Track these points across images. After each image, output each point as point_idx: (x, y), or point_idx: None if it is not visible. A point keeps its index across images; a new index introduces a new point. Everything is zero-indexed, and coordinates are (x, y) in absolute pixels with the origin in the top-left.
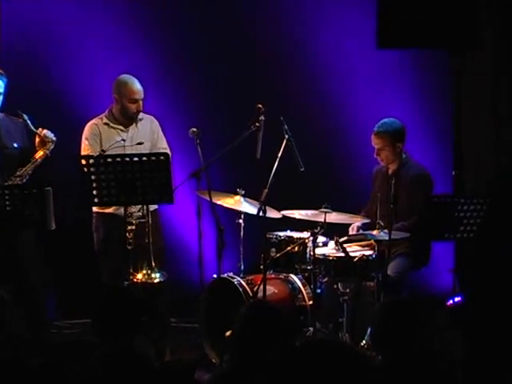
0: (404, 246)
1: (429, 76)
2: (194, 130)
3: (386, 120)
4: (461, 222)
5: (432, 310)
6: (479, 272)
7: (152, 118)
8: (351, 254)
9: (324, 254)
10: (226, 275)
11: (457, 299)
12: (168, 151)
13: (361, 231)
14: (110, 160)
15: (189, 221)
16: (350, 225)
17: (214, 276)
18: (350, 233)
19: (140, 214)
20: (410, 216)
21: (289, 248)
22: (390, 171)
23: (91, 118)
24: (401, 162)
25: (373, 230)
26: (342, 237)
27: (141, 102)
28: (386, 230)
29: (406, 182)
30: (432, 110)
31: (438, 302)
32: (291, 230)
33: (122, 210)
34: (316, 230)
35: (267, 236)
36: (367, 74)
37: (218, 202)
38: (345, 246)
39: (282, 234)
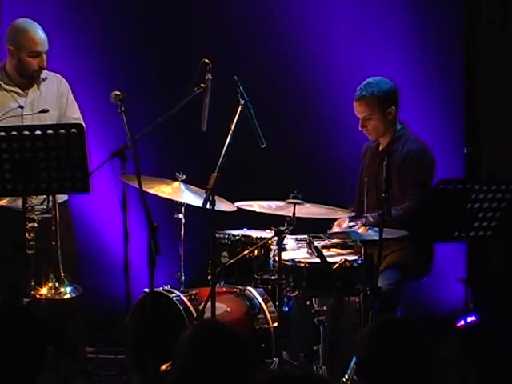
0: (399, 249)
1: (432, 20)
2: (118, 93)
3: (370, 80)
4: (475, 216)
5: (437, 333)
6: (499, 283)
7: (59, 77)
8: (329, 260)
9: (293, 260)
10: (161, 289)
11: (470, 319)
12: (82, 122)
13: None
14: (2, 134)
15: (111, 216)
16: (329, 220)
17: (146, 290)
18: (335, 230)
19: (44, 207)
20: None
21: (246, 252)
22: (381, 147)
23: None
24: (394, 134)
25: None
26: (317, 236)
27: (44, 56)
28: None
29: (398, 160)
30: (437, 65)
31: (445, 322)
32: (249, 228)
33: (19, 203)
34: (282, 228)
35: (217, 236)
36: (347, 18)
37: (151, 191)
38: (321, 248)
39: (236, 233)
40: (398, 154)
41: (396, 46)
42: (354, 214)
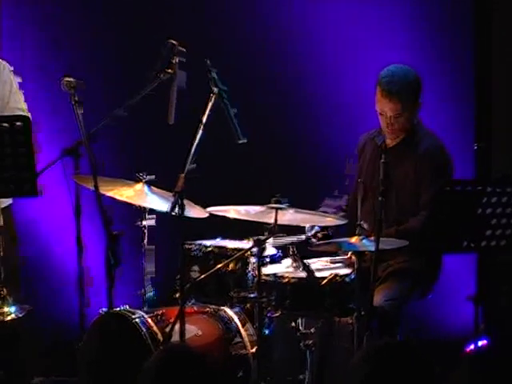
0: (400, 262)
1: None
2: (70, 79)
3: (394, 69)
4: (487, 224)
5: (444, 359)
6: None
7: (1, 61)
8: (317, 275)
9: (275, 275)
10: (120, 309)
11: (480, 343)
12: (28, 113)
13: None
14: None
15: (62, 223)
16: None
17: (103, 310)
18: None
19: None
20: (416, 214)
21: (220, 265)
22: (392, 143)
23: None
24: (411, 130)
25: (351, 236)
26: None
27: None
28: (371, 237)
29: (414, 160)
30: (444, 50)
31: (452, 347)
32: (223, 238)
33: None
34: (263, 238)
35: (186, 247)
36: None
37: (109, 194)
38: (307, 261)
39: (209, 243)
40: (413, 152)
41: (398, 28)
42: (345, 221)
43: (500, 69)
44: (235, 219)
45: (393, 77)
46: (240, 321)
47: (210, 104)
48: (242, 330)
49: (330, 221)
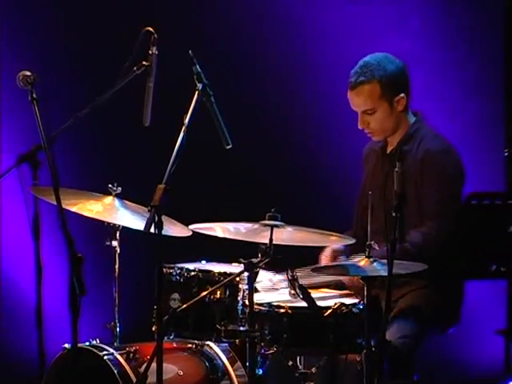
0: (416, 288)
1: None
2: (28, 73)
3: (368, 59)
4: None
5: None
6: None
7: None
8: (320, 304)
9: (270, 305)
10: (87, 344)
11: None
12: None
13: (342, 259)
14: None
15: (18, 244)
16: (318, 249)
17: (66, 346)
18: (324, 263)
19: None
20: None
21: (204, 293)
22: (390, 148)
23: None
24: (407, 129)
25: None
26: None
27: None
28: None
29: (415, 165)
30: (470, 37)
31: None
32: (209, 261)
33: None
34: (255, 260)
35: (164, 271)
36: None
37: (73, 209)
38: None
39: (192, 266)
40: (412, 156)
41: (411, 10)
42: (353, 240)
43: None
44: (223, 238)
45: (363, 67)
46: (228, 359)
47: (193, 103)
48: (230, 370)
49: (335, 240)
